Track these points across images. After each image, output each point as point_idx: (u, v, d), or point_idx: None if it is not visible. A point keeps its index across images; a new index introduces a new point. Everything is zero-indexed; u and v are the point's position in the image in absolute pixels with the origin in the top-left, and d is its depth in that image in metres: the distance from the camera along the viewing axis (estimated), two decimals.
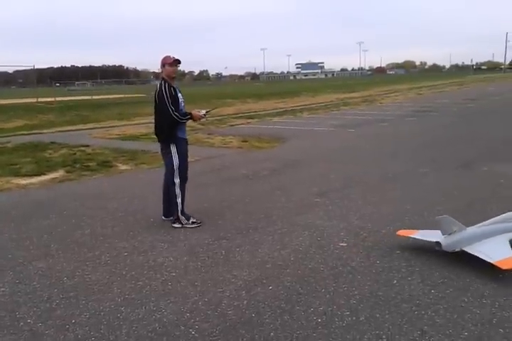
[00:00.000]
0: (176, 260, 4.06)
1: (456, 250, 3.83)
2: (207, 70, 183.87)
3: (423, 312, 3.05)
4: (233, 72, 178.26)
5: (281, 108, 21.17)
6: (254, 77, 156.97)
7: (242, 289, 3.47)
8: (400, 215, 5.08)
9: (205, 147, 10.34)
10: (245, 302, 3.28)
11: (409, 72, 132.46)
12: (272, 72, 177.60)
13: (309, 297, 3.32)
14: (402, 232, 4.35)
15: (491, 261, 3.53)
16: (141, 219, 5.24)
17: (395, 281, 3.51)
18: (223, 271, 3.81)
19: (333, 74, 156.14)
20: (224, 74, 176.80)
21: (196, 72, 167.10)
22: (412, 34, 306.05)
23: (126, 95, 41.06)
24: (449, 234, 3.87)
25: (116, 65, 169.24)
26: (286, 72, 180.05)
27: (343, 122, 14.61)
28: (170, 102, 4.77)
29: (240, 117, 17.66)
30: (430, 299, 3.23)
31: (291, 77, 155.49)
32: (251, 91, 43.47)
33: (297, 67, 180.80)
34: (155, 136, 5.18)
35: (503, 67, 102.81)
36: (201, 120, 5.18)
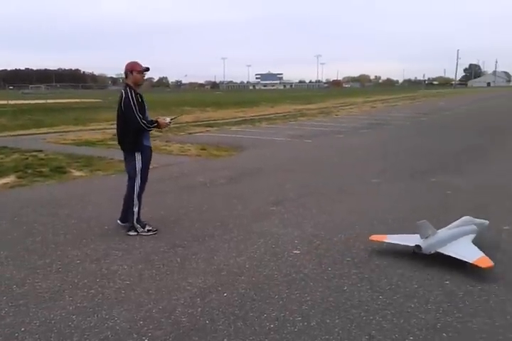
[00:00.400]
0: (131, 268, 4.03)
1: (432, 252, 4.11)
2: (166, 77, 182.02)
3: (371, 318, 3.17)
4: (193, 80, 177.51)
5: (240, 117, 21.32)
6: (214, 85, 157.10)
7: (197, 296, 3.49)
8: (352, 224, 5.24)
9: (163, 154, 10.28)
10: (199, 309, 3.30)
11: (364, 86, 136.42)
12: (231, 82, 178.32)
13: (263, 303, 3.39)
14: (374, 237, 4.55)
15: (470, 261, 3.87)
16: (94, 227, 5.16)
17: (346, 287, 3.63)
18: (178, 278, 3.82)
19: (291, 86, 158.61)
20: (184, 81, 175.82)
21: (155, 79, 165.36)
22: (368, 49, 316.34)
23: (83, 100, 40.15)
24: (426, 238, 4.16)
25: (73, 68, 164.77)
26: (246, 81, 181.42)
27: (300, 133, 14.89)
28: (137, 110, 4.73)
29: (199, 125, 17.66)
30: (378, 305, 3.36)
31: (251, 87, 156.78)
32: (210, 99, 43.52)
33: (257, 78, 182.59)
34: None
35: (453, 82, 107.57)
36: (166, 128, 5.18)
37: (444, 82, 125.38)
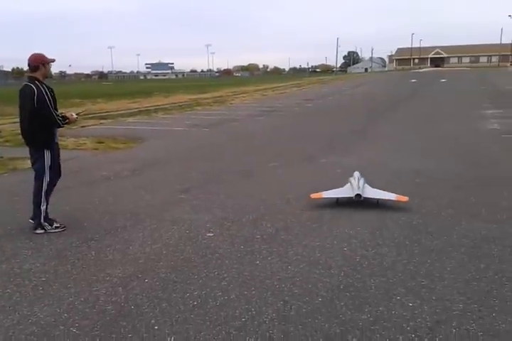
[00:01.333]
0: (44, 265, 3.99)
1: (362, 198, 5.32)
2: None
3: (283, 286, 3.53)
4: (78, 71, 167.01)
5: (134, 108, 20.83)
6: (102, 76, 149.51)
7: (118, 285, 3.59)
8: (257, 205, 5.61)
9: None
10: (123, 296, 3.42)
11: (253, 75, 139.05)
12: (120, 72, 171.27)
13: (184, 284, 3.59)
14: (314, 195, 5.51)
15: (394, 199, 5.33)
16: None
17: (258, 262, 3.96)
18: (96, 271, 3.87)
19: (183, 75, 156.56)
20: (68, 72, 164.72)
21: None
22: (255, 39, 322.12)
23: None
24: (359, 188, 5.38)
25: None
26: (136, 71, 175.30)
27: (197, 122, 15.03)
28: (52, 106, 4.59)
29: (92, 118, 16.95)
30: (288, 274, 3.73)
31: (142, 77, 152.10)
32: (100, 90, 41.63)
33: (147, 67, 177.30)
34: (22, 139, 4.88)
35: (334, 69, 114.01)
36: (73, 123, 5.02)
37: (326, 69, 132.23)
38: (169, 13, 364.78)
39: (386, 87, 36.93)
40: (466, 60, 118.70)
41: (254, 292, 3.44)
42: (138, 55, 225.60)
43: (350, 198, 5.38)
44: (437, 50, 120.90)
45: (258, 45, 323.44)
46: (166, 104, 23.20)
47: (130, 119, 16.44)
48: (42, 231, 4.76)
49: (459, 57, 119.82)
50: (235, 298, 3.35)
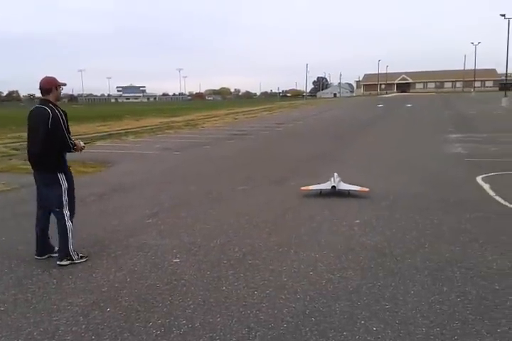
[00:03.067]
0: (3, 294, 3.87)
1: (337, 190, 7.19)
2: (17, 91, 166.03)
3: (249, 312, 3.51)
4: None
5: (105, 131, 20.66)
6: (72, 99, 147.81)
7: (79, 315, 3.50)
8: (225, 229, 5.59)
9: (23, 174, 9.59)
10: (83, 326, 3.33)
11: (225, 99, 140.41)
12: (91, 94, 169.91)
13: (147, 313, 3.52)
14: (304, 188, 7.45)
15: (358, 189, 7.23)
16: None
17: (224, 288, 3.93)
18: (57, 299, 3.76)
19: (155, 99, 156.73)
20: (37, 95, 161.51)
21: (4, 93, 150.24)
22: (227, 63, 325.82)
23: None
24: (335, 182, 7.25)
25: None
26: (107, 94, 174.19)
27: (168, 145, 15.01)
28: (67, 130, 4.52)
29: None
30: (254, 299, 3.71)
31: (113, 100, 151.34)
32: (70, 113, 40.81)
33: (118, 90, 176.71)
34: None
35: (304, 94, 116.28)
36: (79, 152, 4.85)
37: (297, 94, 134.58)
38: (141, 36, 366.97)
39: (354, 111, 37.83)
40: (431, 85, 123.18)
41: (219, 319, 3.40)
42: (109, 78, 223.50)
43: (331, 190, 7.20)
44: (403, 75, 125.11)
45: (230, 69, 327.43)
46: (137, 128, 23.12)
47: (100, 143, 16.27)
48: (67, 262, 4.54)
49: (424, 82, 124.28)
50: (199, 326, 3.30)
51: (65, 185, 4.62)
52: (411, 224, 5.64)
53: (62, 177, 4.61)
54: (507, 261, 4.40)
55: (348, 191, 7.25)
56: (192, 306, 3.61)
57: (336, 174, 7.57)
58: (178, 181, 9.02)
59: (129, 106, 68.54)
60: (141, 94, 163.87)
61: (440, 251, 4.71)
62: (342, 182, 7.38)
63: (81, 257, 4.63)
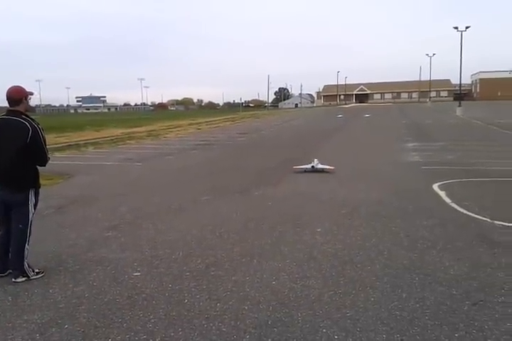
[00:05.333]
0: None
1: (314, 168, 10.67)
2: None
3: (211, 324, 3.47)
4: (2, 104, 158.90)
5: (63, 142, 20.13)
6: (30, 109, 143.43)
7: (36, 332, 3.38)
8: (187, 241, 5.53)
9: None
10: None
11: (188, 109, 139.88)
12: (49, 105, 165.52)
13: (107, 329, 3.43)
14: (295, 167, 10.91)
15: (328, 167, 10.79)
16: None
17: (186, 301, 3.88)
18: (12, 317, 3.63)
19: (116, 109, 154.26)
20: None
21: None
22: (189, 73, 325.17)
23: None
24: (314, 164, 10.70)
25: None
26: (66, 105, 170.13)
27: (130, 156, 14.78)
28: (46, 145, 4.32)
29: None
30: (217, 312, 3.68)
31: (72, 111, 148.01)
32: None
33: (78, 101, 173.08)
34: None
35: (266, 104, 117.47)
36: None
37: (259, 104, 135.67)
38: (101, 46, 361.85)
39: (315, 121, 38.45)
40: (388, 96, 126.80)
41: (181, 333, 3.35)
42: (68, 88, 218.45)
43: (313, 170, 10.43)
44: (361, 86, 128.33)
45: (193, 79, 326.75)
46: (98, 138, 22.67)
47: (58, 154, 15.80)
48: (24, 279, 4.35)
49: (381, 93, 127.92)
50: None
51: (33, 201, 4.46)
52: (370, 232, 5.75)
53: (32, 193, 4.44)
54: (463, 266, 4.55)
55: (323, 169, 10.72)
56: (153, 320, 3.54)
57: (315, 159, 10.96)
58: (140, 192, 8.88)
59: (89, 117, 67.23)
60: (101, 105, 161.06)
61: (399, 258, 4.83)
62: (319, 164, 10.82)
63: (37, 273, 4.47)
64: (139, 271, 4.57)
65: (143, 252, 5.14)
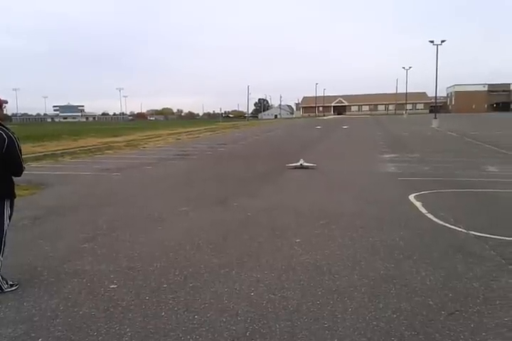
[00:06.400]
0: None
1: (301, 165, 13.47)
2: None
3: (188, 337, 3.44)
4: None
5: (39, 152, 19.78)
6: (6, 118, 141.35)
7: None
8: (165, 252, 5.48)
9: None
10: None
11: (167, 119, 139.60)
12: (26, 114, 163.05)
13: None
14: (288, 165, 13.45)
15: (311, 165, 13.58)
16: None
17: (163, 313, 3.84)
18: None
19: (94, 118, 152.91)
20: None
21: None
22: (170, 84, 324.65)
23: None
24: (302, 162, 13.50)
25: None
26: (43, 114, 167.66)
27: (107, 166, 14.62)
28: (21, 154, 4.25)
29: None
30: (194, 324, 3.65)
31: (49, 120, 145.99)
32: None
33: (55, 110, 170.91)
34: None
35: (246, 115, 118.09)
36: None
37: (239, 115, 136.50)
38: (79, 55, 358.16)
39: (294, 132, 38.71)
40: (365, 108, 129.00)
41: None
42: (45, 97, 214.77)
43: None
44: (339, 98, 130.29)
45: (172, 89, 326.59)
46: (75, 148, 22.37)
47: (34, 164, 15.54)
48: None
49: (359, 105, 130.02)
50: None
51: (8, 212, 4.38)
52: (348, 242, 5.80)
53: (7, 204, 4.36)
54: (439, 276, 4.62)
55: (308, 166, 13.27)
56: (129, 334, 3.49)
57: (301, 159, 13.62)
58: (117, 203, 8.78)
59: (66, 126, 66.36)
60: (79, 114, 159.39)
61: (376, 268, 4.87)
62: (305, 163, 13.46)
63: (11, 285, 4.37)
64: (115, 284, 4.50)
65: (120, 264, 5.07)
